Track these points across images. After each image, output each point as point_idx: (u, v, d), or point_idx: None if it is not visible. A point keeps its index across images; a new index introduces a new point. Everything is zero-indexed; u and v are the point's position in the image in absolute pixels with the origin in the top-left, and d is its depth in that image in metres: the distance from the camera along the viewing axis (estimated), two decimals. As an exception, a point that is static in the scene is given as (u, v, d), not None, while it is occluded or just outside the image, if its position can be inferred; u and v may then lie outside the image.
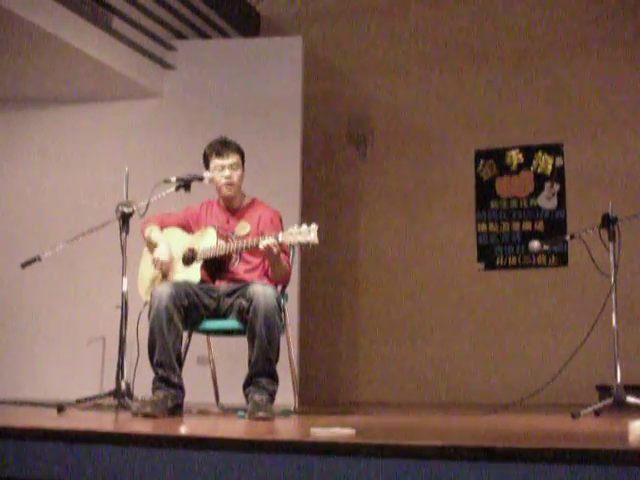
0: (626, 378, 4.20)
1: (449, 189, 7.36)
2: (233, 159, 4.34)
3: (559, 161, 7.08)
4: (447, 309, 7.20)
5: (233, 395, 4.34)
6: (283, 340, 4.13)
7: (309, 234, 3.89)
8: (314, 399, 6.63)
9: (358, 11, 7.80)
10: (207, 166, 4.39)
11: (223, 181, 4.33)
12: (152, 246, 4.43)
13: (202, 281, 4.23)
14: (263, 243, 3.98)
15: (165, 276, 4.34)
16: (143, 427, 3.24)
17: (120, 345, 4.13)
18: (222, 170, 4.32)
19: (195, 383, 4.31)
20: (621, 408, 4.12)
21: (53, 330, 6.57)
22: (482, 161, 7.31)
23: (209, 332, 4.54)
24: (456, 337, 7.13)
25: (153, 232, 4.43)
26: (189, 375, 4.14)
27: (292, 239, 3.93)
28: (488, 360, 7.00)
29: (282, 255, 4.17)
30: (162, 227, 4.48)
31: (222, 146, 4.35)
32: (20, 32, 5.66)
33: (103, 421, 3.61)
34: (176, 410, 3.95)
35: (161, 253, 4.33)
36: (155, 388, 3.95)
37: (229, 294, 4.22)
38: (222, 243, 4.26)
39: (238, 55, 6.92)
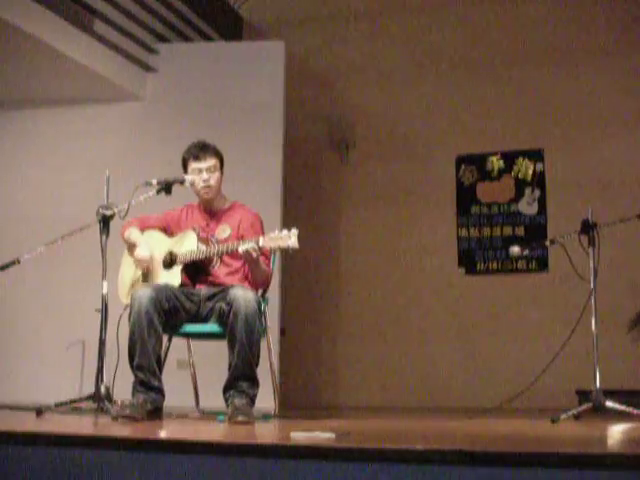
0: (605, 383, 4.22)
1: (430, 194, 7.39)
2: (210, 162, 4.33)
3: (539, 167, 7.11)
4: (428, 314, 7.22)
5: (213, 399, 4.32)
6: (263, 344, 4.13)
7: (289, 239, 3.88)
8: (294, 403, 6.62)
9: (340, 17, 7.82)
10: (185, 170, 4.36)
11: (201, 184, 4.32)
12: (132, 247, 4.41)
13: (182, 284, 4.22)
14: (242, 247, 3.97)
15: (146, 274, 4.32)
16: (122, 431, 3.23)
17: (100, 348, 4.11)
18: (200, 173, 4.32)
19: (175, 387, 4.29)
20: (600, 413, 4.14)
21: (33, 333, 6.53)
22: (463, 166, 7.33)
23: (189, 336, 4.54)
24: (437, 342, 7.15)
25: (132, 233, 4.42)
26: (169, 379, 4.13)
27: (272, 244, 3.92)
28: (468, 364, 7.02)
29: (262, 259, 4.17)
30: (142, 229, 4.46)
31: (199, 149, 4.34)
32: (0, 33, 5.61)
33: (82, 425, 3.59)
34: (156, 414, 3.93)
35: (140, 251, 4.32)
36: (135, 392, 3.93)
37: (209, 298, 4.21)
38: (202, 247, 4.25)
39: (220, 59, 6.91)
